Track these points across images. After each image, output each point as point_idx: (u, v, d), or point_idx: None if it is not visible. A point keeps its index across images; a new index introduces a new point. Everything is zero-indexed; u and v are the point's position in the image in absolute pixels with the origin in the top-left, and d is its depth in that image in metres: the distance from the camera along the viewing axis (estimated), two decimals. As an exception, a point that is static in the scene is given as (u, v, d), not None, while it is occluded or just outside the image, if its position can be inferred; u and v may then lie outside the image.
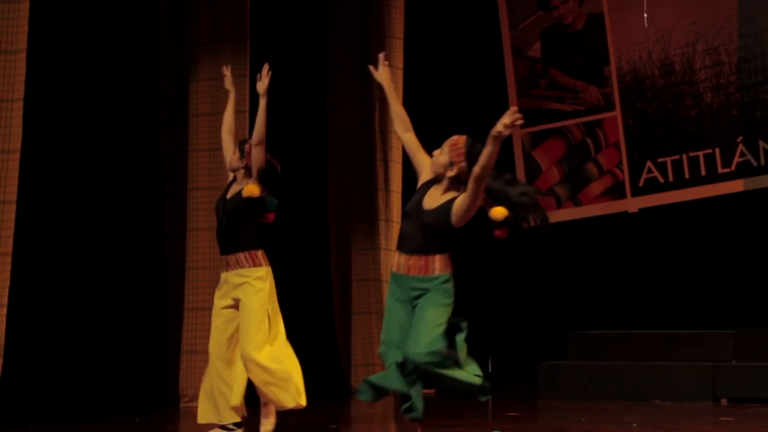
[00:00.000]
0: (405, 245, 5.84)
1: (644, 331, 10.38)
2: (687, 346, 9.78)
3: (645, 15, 10.89)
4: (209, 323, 8.91)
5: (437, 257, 5.78)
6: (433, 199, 5.84)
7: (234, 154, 6.94)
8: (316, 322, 10.32)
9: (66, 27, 8.73)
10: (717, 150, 10.76)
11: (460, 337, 5.84)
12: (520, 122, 5.46)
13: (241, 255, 6.84)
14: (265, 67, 6.87)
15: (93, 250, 9.00)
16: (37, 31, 7.65)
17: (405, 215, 5.96)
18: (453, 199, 5.77)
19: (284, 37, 10.35)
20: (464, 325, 5.89)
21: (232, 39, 8.97)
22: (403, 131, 6.13)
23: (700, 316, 10.62)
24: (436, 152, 5.92)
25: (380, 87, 6.33)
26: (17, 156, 7.27)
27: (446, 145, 5.89)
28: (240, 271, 6.83)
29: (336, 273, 10.30)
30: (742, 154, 10.65)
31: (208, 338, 8.07)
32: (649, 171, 11.02)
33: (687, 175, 10.87)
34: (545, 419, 8.63)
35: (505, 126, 5.47)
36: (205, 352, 8.87)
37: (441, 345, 5.69)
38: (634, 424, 7.70)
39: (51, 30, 8.42)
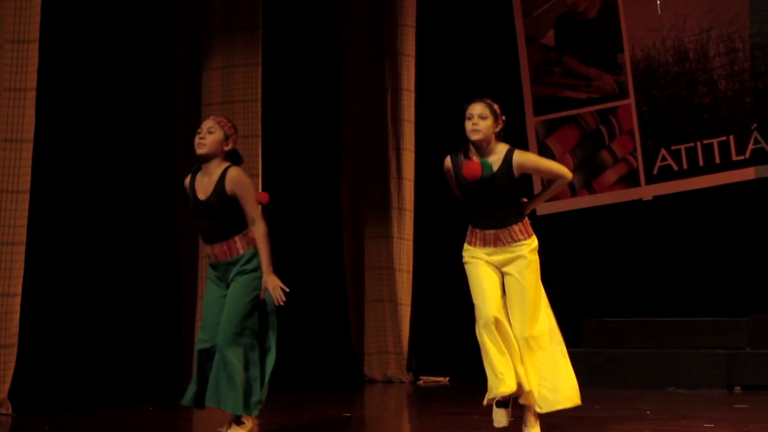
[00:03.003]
0: (207, 238, 6.06)
1: (658, 318, 10.36)
2: (701, 334, 9.75)
3: (658, 2, 10.85)
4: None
5: (236, 238, 5.97)
6: (204, 187, 6.04)
7: None
8: (329, 311, 10.33)
9: (78, 16, 8.75)
10: (731, 137, 10.73)
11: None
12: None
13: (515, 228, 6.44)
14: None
15: (107, 239, 9.02)
16: (50, 20, 7.67)
17: (193, 216, 6.13)
18: (223, 176, 5.94)
19: (297, 26, 10.35)
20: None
21: (245, 27, 8.96)
22: None
23: (714, 303, 10.59)
24: (201, 136, 6.01)
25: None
26: (30, 145, 7.29)
27: (214, 124, 6.03)
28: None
29: (349, 261, 10.29)
30: (756, 142, 10.62)
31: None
32: (664, 159, 10.99)
33: (701, 163, 10.84)
34: (559, 407, 8.60)
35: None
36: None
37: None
38: (648, 412, 7.68)
39: (63, 19, 8.43)
